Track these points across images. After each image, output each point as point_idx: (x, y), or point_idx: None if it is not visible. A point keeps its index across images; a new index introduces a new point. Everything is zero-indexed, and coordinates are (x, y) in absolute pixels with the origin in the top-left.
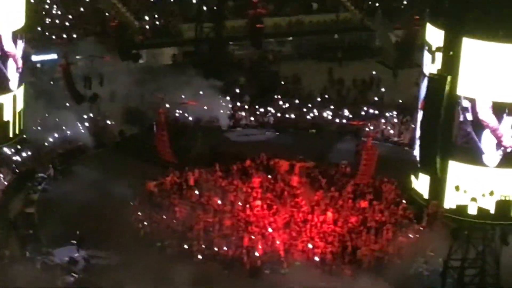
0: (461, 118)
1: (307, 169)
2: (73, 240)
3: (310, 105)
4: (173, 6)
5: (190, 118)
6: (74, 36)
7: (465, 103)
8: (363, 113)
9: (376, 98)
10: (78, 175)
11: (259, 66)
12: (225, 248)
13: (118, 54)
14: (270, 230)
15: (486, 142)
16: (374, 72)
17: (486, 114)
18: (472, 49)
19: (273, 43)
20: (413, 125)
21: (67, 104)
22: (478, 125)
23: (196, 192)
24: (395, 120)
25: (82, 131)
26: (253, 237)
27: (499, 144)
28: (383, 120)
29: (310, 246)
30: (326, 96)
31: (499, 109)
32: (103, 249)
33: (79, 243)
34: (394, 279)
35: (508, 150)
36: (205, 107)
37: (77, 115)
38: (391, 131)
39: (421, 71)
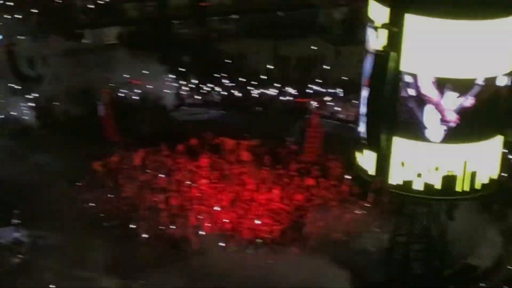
0: (404, 94)
1: (253, 147)
2: (13, 220)
3: (255, 83)
4: None
5: (136, 98)
6: (17, 16)
7: (408, 79)
8: (308, 90)
9: (321, 76)
10: (24, 156)
11: (204, 45)
12: (172, 227)
13: (61, 34)
14: (216, 208)
15: (429, 117)
16: (317, 49)
17: (428, 89)
18: (415, 25)
19: (218, 22)
20: (357, 102)
21: (11, 85)
22: (421, 100)
23: (142, 172)
24: (340, 97)
25: (27, 112)
26: (199, 216)
27: (442, 120)
28: (328, 98)
29: (257, 223)
30: (271, 74)
31: (441, 84)
32: (50, 230)
33: (18, 223)
34: (341, 256)
35: (451, 125)
36: (150, 87)
37: (21, 96)
38: (336, 108)
39: (365, 48)
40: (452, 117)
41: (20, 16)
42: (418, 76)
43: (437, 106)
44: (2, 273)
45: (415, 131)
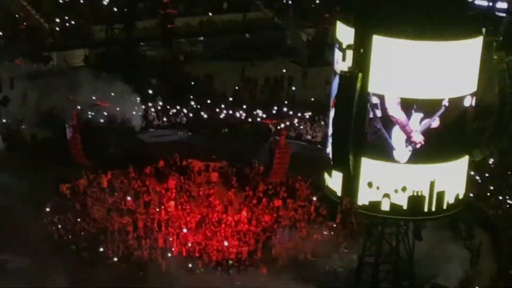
0: (371, 115)
1: (221, 168)
2: None
3: (223, 105)
4: (84, 8)
5: (102, 120)
6: None
7: (375, 100)
8: (275, 112)
9: (288, 97)
10: None
11: (171, 67)
12: (139, 250)
13: (28, 57)
14: (184, 230)
15: (396, 138)
16: (284, 71)
17: (394, 110)
18: (382, 46)
19: (185, 43)
20: (325, 123)
21: None
22: (388, 122)
23: (110, 194)
24: (308, 118)
25: None
26: (168, 238)
27: (408, 140)
28: (296, 119)
29: (225, 244)
30: (239, 95)
31: (408, 105)
32: (16, 254)
33: None
34: (309, 277)
35: (418, 146)
36: (118, 108)
37: None
38: (304, 130)
39: (332, 69)
40: (419, 138)
41: None
42: (385, 97)
43: (404, 127)
44: None
45: (383, 152)
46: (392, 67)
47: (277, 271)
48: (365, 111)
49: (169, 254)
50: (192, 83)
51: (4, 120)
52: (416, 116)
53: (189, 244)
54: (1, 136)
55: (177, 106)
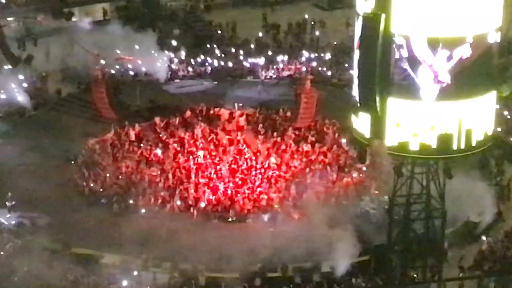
0: (397, 56)
1: (248, 116)
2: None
3: (246, 52)
4: None
5: (128, 73)
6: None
7: (400, 40)
8: (300, 57)
9: (312, 41)
10: (19, 138)
11: (193, 17)
12: (170, 201)
13: (50, 13)
14: (215, 179)
15: (423, 77)
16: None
17: (421, 50)
18: None
19: None
20: (349, 66)
21: (3, 66)
22: (414, 61)
23: (139, 146)
24: (332, 61)
25: (19, 93)
26: (198, 187)
27: (435, 79)
28: (320, 63)
29: (256, 192)
30: (262, 42)
31: (433, 44)
32: (47, 210)
33: (11, 205)
34: (342, 220)
35: (444, 84)
36: (142, 61)
37: (13, 77)
38: (329, 73)
39: (355, 11)
40: (446, 76)
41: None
42: (410, 37)
43: (431, 66)
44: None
45: (410, 91)
46: (415, 6)
47: (309, 216)
48: (390, 51)
49: (200, 204)
50: (219, 31)
51: (29, 78)
52: (442, 53)
53: (220, 193)
54: (27, 94)
55: (200, 55)
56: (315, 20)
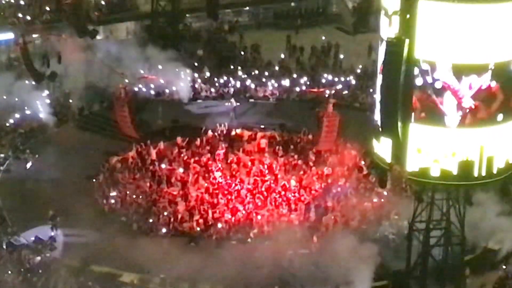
0: (422, 82)
1: (269, 138)
2: (49, 219)
3: (269, 74)
4: None
5: (151, 92)
6: (28, 17)
7: (425, 66)
8: (322, 80)
9: (335, 65)
10: (40, 154)
11: (217, 37)
12: (190, 221)
13: (75, 31)
14: (234, 200)
15: (447, 104)
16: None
17: (446, 77)
18: (429, 10)
19: (230, 14)
20: (372, 90)
21: (26, 83)
22: (439, 88)
23: (159, 166)
24: (355, 85)
25: (42, 109)
26: (218, 208)
27: (459, 105)
28: (342, 86)
29: (275, 214)
30: (285, 64)
31: (458, 71)
32: (69, 227)
33: (54, 223)
34: (360, 244)
35: (467, 111)
36: (165, 81)
37: (36, 94)
38: (351, 97)
39: (378, 35)
40: (469, 102)
41: (30, 17)
42: (436, 63)
43: (455, 93)
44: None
45: (434, 117)
46: (441, 32)
47: (328, 239)
48: (413, 77)
49: (220, 225)
50: (242, 52)
51: (52, 94)
52: (466, 80)
53: (240, 214)
54: (50, 111)
55: (224, 76)
56: (339, 44)
